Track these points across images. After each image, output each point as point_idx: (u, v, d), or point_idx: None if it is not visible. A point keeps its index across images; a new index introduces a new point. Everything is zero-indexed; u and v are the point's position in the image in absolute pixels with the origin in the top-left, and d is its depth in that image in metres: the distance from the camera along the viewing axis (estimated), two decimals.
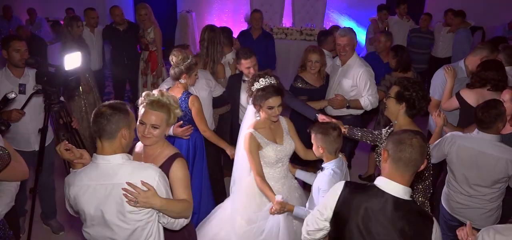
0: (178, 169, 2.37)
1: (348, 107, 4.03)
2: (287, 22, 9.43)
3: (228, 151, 3.51)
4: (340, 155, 2.84)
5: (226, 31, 4.57)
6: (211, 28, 4.20)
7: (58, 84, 3.15)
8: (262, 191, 2.90)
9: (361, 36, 8.08)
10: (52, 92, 3.18)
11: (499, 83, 3.37)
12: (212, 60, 4.12)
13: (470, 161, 2.91)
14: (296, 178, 3.22)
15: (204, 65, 4.15)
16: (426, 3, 10.24)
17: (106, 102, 2.16)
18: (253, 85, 2.92)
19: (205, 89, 3.88)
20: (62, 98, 3.45)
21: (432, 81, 3.96)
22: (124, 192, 2.04)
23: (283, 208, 2.71)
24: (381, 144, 2.95)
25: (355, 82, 4.03)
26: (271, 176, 3.02)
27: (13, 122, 3.47)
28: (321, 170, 2.78)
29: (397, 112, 2.69)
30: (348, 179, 2.82)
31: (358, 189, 1.97)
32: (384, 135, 2.91)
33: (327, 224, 2.03)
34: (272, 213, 2.75)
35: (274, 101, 2.87)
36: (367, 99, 4.00)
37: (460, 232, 2.16)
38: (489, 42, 4.30)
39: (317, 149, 2.77)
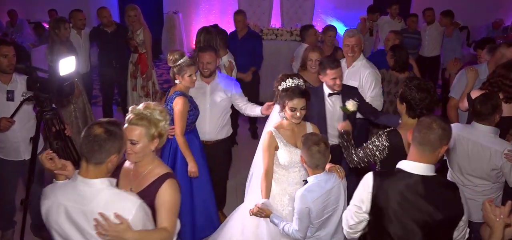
0: (166, 191, 2.21)
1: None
2: (275, 22, 9.37)
3: (190, 167, 3.44)
4: (335, 170, 2.72)
5: (221, 33, 4.46)
6: (206, 30, 4.10)
7: (52, 91, 2.98)
8: (260, 187, 2.93)
9: None
10: (44, 99, 3.01)
11: (509, 93, 3.29)
12: None
13: (463, 151, 2.99)
14: None
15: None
16: (412, 3, 10.34)
17: (101, 121, 2.00)
18: (280, 84, 2.90)
19: (220, 95, 3.78)
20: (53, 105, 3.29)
21: (454, 81, 4.01)
22: (95, 223, 1.92)
23: (261, 213, 2.77)
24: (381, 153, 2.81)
25: (361, 84, 4.01)
26: (285, 178, 2.99)
27: (2, 131, 3.31)
28: (305, 183, 2.69)
29: (401, 111, 2.84)
30: (340, 197, 2.69)
31: (387, 176, 2.15)
32: (383, 141, 2.77)
33: (367, 216, 2.17)
34: (250, 214, 2.82)
35: (298, 102, 2.82)
36: (372, 101, 3.92)
37: (495, 208, 1.99)
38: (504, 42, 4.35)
39: (301, 159, 2.71)
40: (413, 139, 2.11)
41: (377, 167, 2.91)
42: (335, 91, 3.53)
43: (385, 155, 2.77)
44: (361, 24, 7.45)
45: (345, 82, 4.05)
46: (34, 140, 3.17)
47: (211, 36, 4.05)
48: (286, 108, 2.85)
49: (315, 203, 2.55)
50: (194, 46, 10.78)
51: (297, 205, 2.59)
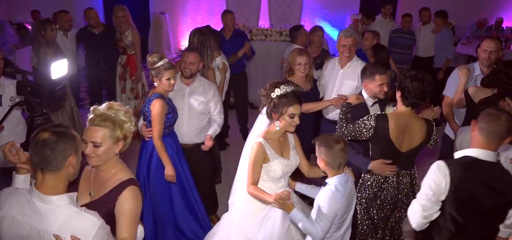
0: (126, 200, 2.08)
1: None
2: (263, 22, 9.32)
3: (167, 170, 3.38)
4: (347, 171, 2.71)
5: (215, 33, 4.39)
6: (200, 31, 4.02)
7: (43, 95, 2.87)
8: (258, 197, 2.77)
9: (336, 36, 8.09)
10: (35, 104, 2.90)
11: (507, 90, 3.29)
12: (203, 65, 3.94)
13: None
14: (296, 192, 3.08)
15: None
16: (398, 3, 10.42)
17: (45, 126, 1.88)
18: (273, 92, 2.75)
19: (198, 98, 3.70)
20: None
21: (448, 80, 4.01)
22: None
23: (286, 200, 2.57)
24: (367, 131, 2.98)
25: (359, 83, 3.94)
26: (273, 191, 2.82)
27: None
28: (324, 186, 2.65)
29: (398, 98, 2.96)
30: (354, 196, 2.72)
31: (460, 164, 2.30)
32: (371, 122, 2.95)
33: (441, 204, 2.31)
34: (276, 201, 2.58)
35: (296, 108, 2.72)
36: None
37: None
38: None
39: (321, 163, 2.63)
40: (480, 129, 2.28)
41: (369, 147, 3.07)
42: (378, 99, 3.46)
43: (370, 134, 2.97)
44: (353, 25, 7.45)
45: (340, 82, 4.05)
46: (24, 147, 3.05)
47: (205, 37, 3.98)
48: (285, 115, 2.73)
49: (342, 204, 2.54)
50: (181, 47, 10.79)
51: (326, 206, 2.50)
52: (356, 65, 4.02)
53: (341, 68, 4.07)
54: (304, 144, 3.10)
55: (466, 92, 3.53)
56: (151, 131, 3.36)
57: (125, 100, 5.95)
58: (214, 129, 3.71)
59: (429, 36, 7.10)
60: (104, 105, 2.16)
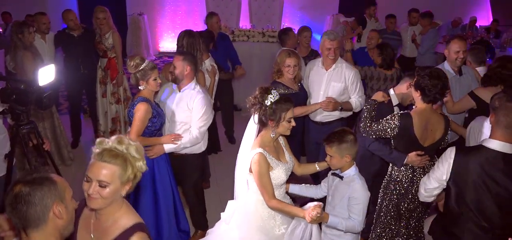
0: None
1: (341, 109, 3.99)
2: (243, 23, 9.27)
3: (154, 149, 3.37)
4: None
5: (204, 36, 4.30)
6: (189, 33, 3.94)
7: (30, 103, 2.74)
8: (284, 211, 2.68)
9: (316, 37, 8.12)
10: (21, 112, 2.76)
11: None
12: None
13: (475, 142, 3.15)
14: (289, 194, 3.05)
15: None
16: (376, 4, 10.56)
17: (18, 178, 1.66)
18: (266, 99, 2.67)
19: (183, 107, 3.57)
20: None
21: None
22: None
23: (321, 214, 2.49)
24: (392, 131, 3.08)
25: (347, 84, 4.02)
26: (277, 198, 2.76)
27: None
28: (341, 179, 2.75)
29: (416, 98, 3.06)
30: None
31: (469, 150, 2.53)
32: (396, 121, 3.04)
33: (444, 183, 2.55)
34: (312, 221, 2.50)
35: (292, 111, 2.72)
36: (357, 101, 4.04)
37: None
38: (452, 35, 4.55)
39: (342, 160, 2.69)
40: (497, 122, 2.40)
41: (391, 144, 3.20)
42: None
43: (395, 133, 3.07)
44: (346, 28, 7.49)
45: (326, 85, 4.04)
46: (9, 157, 2.90)
47: (194, 40, 3.90)
48: (282, 121, 2.69)
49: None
50: (159, 49, 10.63)
51: (360, 196, 2.65)
52: (342, 67, 4.02)
53: (326, 70, 4.05)
54: (293, 147, 3.10)
55: (473, 94, 3.61)
56: (152, 149, 3.34)
57: (105, 104, 5.79)
58: (183, 139, 3.48)
59: (417, 38, 7.22)
60: (113, 137, 1.88)
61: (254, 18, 9.31)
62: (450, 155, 2.51)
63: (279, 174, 2.74)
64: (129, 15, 9.74)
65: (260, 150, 2.68)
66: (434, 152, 3.22)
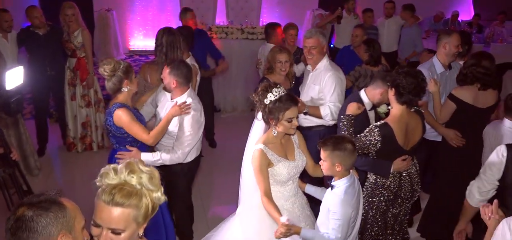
0: None
1: (305, 113, 3.82)
2: (220, 19, 9.19)
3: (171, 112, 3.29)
4: (352, 171, 2.74)
5: (183, 33, 4.20)
6: (169, 30, 3.84)
7: None
8: (268, 212, 2.73)
9: None
10: None
11: (487, 82, 3.52)
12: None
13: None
14: (305, 193, 3.08)
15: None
16: None
17: (24, 200, 1.51)
18: (266, 98, 2.71)
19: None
20: None
21: None
22: None
23: (289, 230, 2.54)
24: (374, 146, 3.00)
25: (322, 87, 3.88)
26: (281, 195, 2.86)
27: None
28: (331, 188, 2.68)
29: (391, 98, 3.03)
30: (361, 196, 2.77)
31: None
32: (375, 136, 2.95)
33: (497, 183, 2.59)
34: (278, 237, 2.55)
35: (293, 111, 2.72)
36: (328, 108, 3.78)
37: (485, 209, 2.25)
38: (442, 30, 4.59)
39: (332, 167, 2.62)
40: None
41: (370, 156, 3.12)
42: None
43: (377, 148, 2.99)
44: (320, 21, 7.50)
45: (308, 86, 4.00)
46: None
47: (174, 37, 3.80)
48: (282, 120, 2.71)
49: (354, 205, 2.58)
50: (130, 48, 10.40)
51: (339, 211, 2.53)
52: (323, 67, 3.91)
53: (312, 71, 4.01)
54: (312, 147, 3.09)
55: (452, 96, 3.65)
56: (125, 154, 3.21)
57: (75, 108, 5.63)
58: (163, 155, 3.36)
59: (393, 30, 7.31)
60: (120, 166, 1.62)
61: (231, 13, 9.23)
62: (502, 154, 2.55)
63: (279, 171, 2.79)
64: (96, 11, 9.48)
65: (261, 146, 2.76)
66: (415, 152, 3.24)
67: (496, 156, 2.59)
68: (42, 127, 5.71)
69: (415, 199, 3.31)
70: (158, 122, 3.46)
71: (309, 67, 4.07)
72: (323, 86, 3.85)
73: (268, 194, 2.73)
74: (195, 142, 3.47)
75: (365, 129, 3.04)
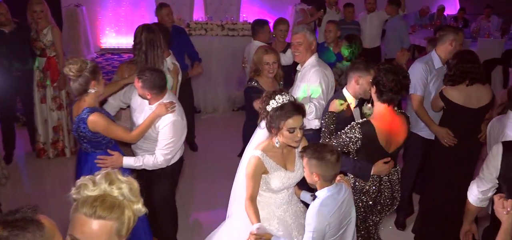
0: None
1: None
2: (198, 15, 9.16)
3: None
4: (342, 180, 2.72)
5: (163, 30, 4.17)
6: (148, 28, 3.79)
7: None
8: (247, 214, 2.73)
9: None
10: None
11: (476, 75, 3.62)
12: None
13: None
14: (302, 201, 3.06)
15: None
16: None
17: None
18: (268, 104, 2.67)
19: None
20: None
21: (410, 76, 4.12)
22: None
23: (261, 238, 2.57)
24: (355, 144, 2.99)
25: (307, 85, 3.88)
26: (273, 201, 2.85)
27: None
28: (313, 199, 2.63)
29: (373, 96, 3.05)
30: (352, 206, 2.73)
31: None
32: (356, 133, 2.95)
33: (496, 181, 2.66)
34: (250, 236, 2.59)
35: (296, 121, 2.65)
36: (313, 105, 3.77)
37: (502, 201, 2.21)
38: (448, 25, 4.68)
39: (310, 176, 2.58)
40: None
41: (351, 156, 3.10)
42: (359, 101, 3.48)
43: (358, 146, 2.99)
44: (303, 18, 7.53)
45: (295, 86, 4.02)
46: None
47: (154, 35, 3.75)
48: (283, 130, 2.66)
49: (332, 217, 2.50)
50: (101, 45, 10.27)
51: (312, 224, 2.48)
52: (309, 65, 3.93)
53: (301, 68, 4.03)
54: None
55: (442, 95, 3.73)
56: (106, 159, 3.22)
57: (46, 111, 5.52)
58: (145, 159, 3.36)
59: (375, 26, 7.41)
60: (98, 177, 1.59)
61: (209, 9, 9.22)
62: (497, 151, 2.61)
63: (274, 180, 2.78)
64: (65, 7, 9.32)
65: (258, 153, 2.74)
66: (397, 157, 3.25)
67: (491, 154, 2.66)
68: (8, 132, 5.58)
69: (395, 207, 3.30)
70: (137, 127, 3.44)
71: (299, 65, 4.09)
72: (308, 82, 3.88)
73: (252, 199, 2.74)
74: (178, 148, 3.47)
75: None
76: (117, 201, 1.56)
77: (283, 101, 2.67)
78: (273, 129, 2.70)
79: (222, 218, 3.15)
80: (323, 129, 3.21)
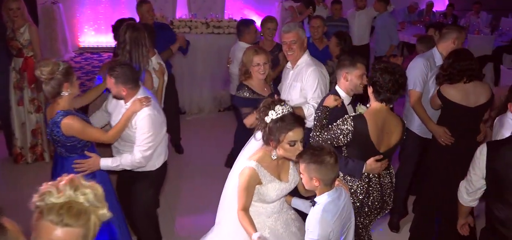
0: None
1: None
2: (181, 12, 9.11)
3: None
4: (340, 183, 2.71)
5: (148, 29, 4.15)
6: (133, 26, 3.78)
7: None
8: (242, 225, 2.71)
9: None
10: None
11: (474, 72, 3.68)
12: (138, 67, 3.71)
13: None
14: (294, 208, 3.05)
15: None
16: None
17: None
18: (267, 115, 2.64)
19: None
20: None
21: (408, 73, 4.00)
22: None
23: None
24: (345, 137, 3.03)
25: (303, 84, 3.90)
26: (264, 210, 2.83)
27: None
28: (313, 205, 2.61)
29: (370, 95, 3.08)
30: (351, 211, 2.73)
31: (502, 144, 2.68)
32: (348, 125, 2.99)
33: (484, 182, 2.71)
34: None
35: (296, 133, 2.62)
36: (312, 107, 3.80)
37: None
38: (451, 24, 4.78)
39: (310, 181, 2.55)
40: None
41: (343, 152, 3.15)
42: (353, 97, 3.48)
43: (348, 139, 3.02)
44: (292, 14, 7.56)
45: (289, 85, 4.03)
46: None
47: (138, 34, 3.74)
48: (283, 143, 2.63)
49: (335, 223, 2.50)
50: (79, 44, 10.14)
51: (316, 231, 2.45)
52: (304, 63, 3.95)
53: (292, 68, 4.03)
54: None
55: (439, 94, 3.78)
56: (83, 162, 3.21)
57: (23, 114, 5.45)
58: (123, 159, 3.36)
59: (364, 23, 7.49)
60: (62, 184, 1.60)
61: (193, 6, 9.15)
62: (481, 152, 2.67)
63: (268, 192, 2.76)
64: (40, 4, 9.18)
65: (253, 164, 2.70)
66: (391, 159, 3.25)
67: (476, 155, 2.72)
68: None
69: (386, 212, 3.32)
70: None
71: (289, 64, 4.09)
72: (304, 82, 3.88)
73: (245, 209, 2.71)
74: (157, 144, 3.43)
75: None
76: (83, 207, 1.58)
77: (283, 112, 2.63)
78: (272, 142, 2.67)
79: (209, 221, 3.15)
80: (315, 122, 3.23)
